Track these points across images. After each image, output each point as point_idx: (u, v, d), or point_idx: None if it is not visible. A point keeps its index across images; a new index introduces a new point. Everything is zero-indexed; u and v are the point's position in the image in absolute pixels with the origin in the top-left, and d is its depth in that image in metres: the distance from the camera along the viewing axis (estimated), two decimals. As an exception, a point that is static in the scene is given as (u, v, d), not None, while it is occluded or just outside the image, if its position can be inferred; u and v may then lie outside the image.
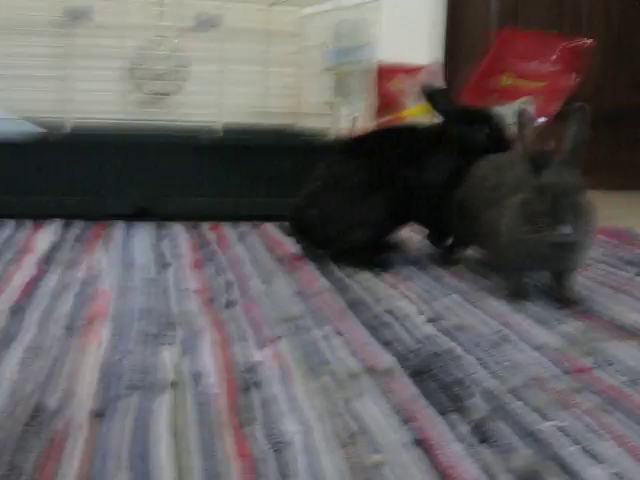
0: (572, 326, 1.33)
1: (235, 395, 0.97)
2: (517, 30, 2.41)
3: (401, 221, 1.77)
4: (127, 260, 1.65)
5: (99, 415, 0.90)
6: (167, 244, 1.82)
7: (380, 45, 2.30)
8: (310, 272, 1.62)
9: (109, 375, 1.02)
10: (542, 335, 1.28)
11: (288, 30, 2.65)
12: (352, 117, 2.27)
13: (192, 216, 2.11)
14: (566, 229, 1.33)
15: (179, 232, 1.96)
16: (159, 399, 0.95)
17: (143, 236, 1.90)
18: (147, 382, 1.00)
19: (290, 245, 1.85)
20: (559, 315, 1.39)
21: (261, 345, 1.16)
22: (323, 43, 2.45)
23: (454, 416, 0.95)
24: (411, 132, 1.80)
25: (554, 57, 2.36)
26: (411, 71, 2.74)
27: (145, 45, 2.49)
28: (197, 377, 1.02)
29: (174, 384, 0.99)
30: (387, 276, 1.61)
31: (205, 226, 2.04)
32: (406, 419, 0.93)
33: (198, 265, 1.63)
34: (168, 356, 1.10)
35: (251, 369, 1.06)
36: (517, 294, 1.47)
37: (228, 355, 1.11)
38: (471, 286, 1.56)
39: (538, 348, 1.21)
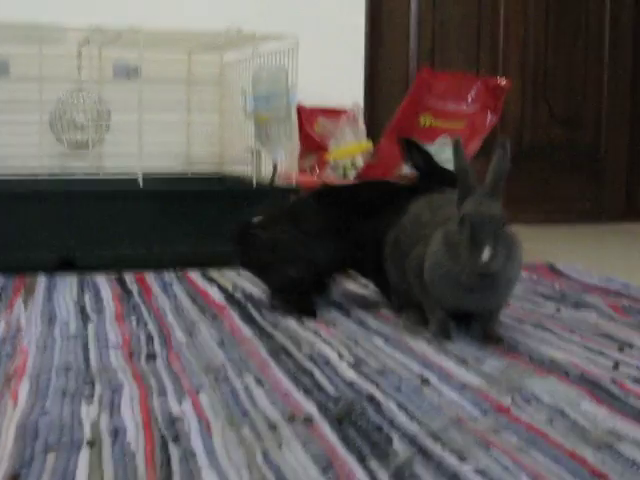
0: (492, 365, 1.35)
1: (153, 451, 0.97)
2: (435, 71, 2.46)
3: (342, 268, 1.77)
4: (48, 315, 1.63)
5: (14, 478, 0.88)
6: (89, 297, 1.80)
7: (300, 88, 2.32)
8: (234, 321, 1.62)
9: (25, 436, 1.00)
10: (462, 376, 1.29)
11: (209, 78, 2.67)
12: (273, 163, 2.29)
13: (116, 266, 2.10)
14: (486, 258, 1.32)
15: (102, 284, 1.94)
16: (75, 459, 0.94)
17: (65, 289, 1.88)
18: (63, 442, 0.98)
19: (214, 293, 1.85)
20: (479, 354, 1.41)
21: (180, 398, 1.15)
22: (243, 90, 2.47)
23: (373, 463, 0.95)
24: (385, 187, 1.82)
25: (471, 97, 2.42)
26: (332, 113, 2.78)
27: (65, 96, 2.49)
28: (115, 434, 1.01)
29: (91, 443, 0.98)
30: (309, 322, 1.61)
31: (129, 277, 2.02)
32: (325, 468, 0.93)
33: (120, 318, 1.62)
34: (85, 414, 1.08)
35: (170, 424, 1.05)
36: (440, 334, 1.48)
37: (147, 410, 1.10)
38: (394, 329, 1.58)
39: (458, 389, 1.22)
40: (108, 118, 2.50)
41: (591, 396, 1.20)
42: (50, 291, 1.86)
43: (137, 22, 2.19)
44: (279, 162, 2.27)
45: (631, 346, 1.48)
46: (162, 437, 1.01)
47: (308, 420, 1.07)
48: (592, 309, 1.77)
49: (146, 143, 2.23)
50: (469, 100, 2.42)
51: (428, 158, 1.77)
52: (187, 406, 1.12)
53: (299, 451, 0.98)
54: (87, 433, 1.02)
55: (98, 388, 1.19)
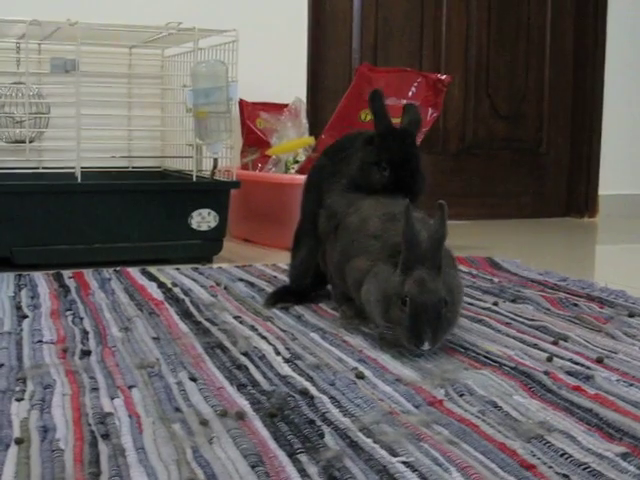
0: (427, 359, 1.36)
1: (82, 448, 0.96)
2: (375, 67, 2.46)
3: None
4: (-19, 312, 1.61)
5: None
6: (25, 295, 1.77)
7: (243, 84, 2.32)
8: (170, 317, 1.61)
9: (-49, 436, 0.98)
10: (397, 370, 1.30)
11: (150, 72, 2.65)
12: (212, 158, 2.28)
13: (54, 264, 2.07)
14: (425, 348, 1.33)
15: (39, 281, 1.91)
16: (2, 457, 0.92)
17: (1, 287, 1.85)
18: (-9, 441, 0.97)
19: (152, 289, 1.84)
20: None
21: (112, 395, 1.14)
22: (183, 85, 2.46)
23: (303, 458, 0.95)
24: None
25: (412, 92, 2.43)
26: (275, 108, 2.77)
27: (3, 91, 2.45)
28: (44, 432, 1.00)
29: (19, 440, 0.97)
30: (247, 317, 1.61)
31: (67, 273, 2.00)
32: (254, 464, 0.93)
33: (55, 315, 1.60)
34: (15, 411, 1.07)
35: (101, 420, 1.04)
36: (385, 343, 1.47)
37: (78, 407, 1.09)
38: (330, 324, 1.58)
39: (392, 383, 1.23)
40: (47, 113, 2.47)
41: (524, 388, 1.22)
42: (-14, 288, 1.83)
43: (78, 16, 2.17)
44: (219, 157, 2.26)
45: (566, 339, 1.49)
46: (92, 434, 1.00)
47: (240, 415, 1.07)
48: (529, 303, 1.79)
49: (86, 138, 2.21)
50: (410, 95, 2.43)
51: (384, 114, 1.72)
52: (119, 402, 1.11)
53: (230, 446, 0.98)
54: (16, 431, 1.00)
55: (30, 385, 1.17)
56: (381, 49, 3.28)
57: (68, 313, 1.61)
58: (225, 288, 1.87)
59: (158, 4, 2.71)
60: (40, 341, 1.41)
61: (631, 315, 1.69)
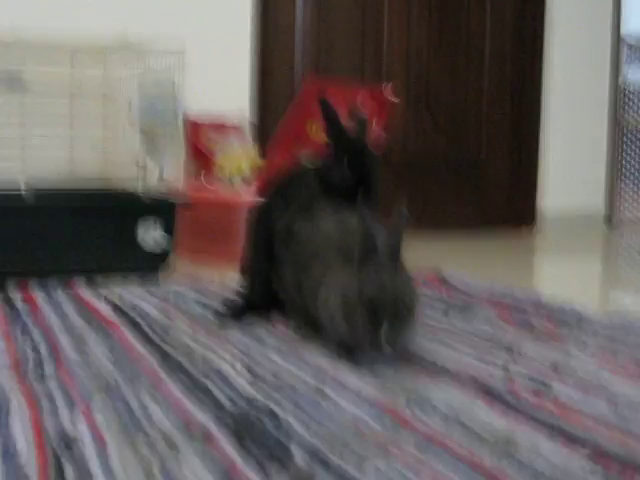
0: (384, 372, 1.37)
1: (48, 472, 0.94)
2: (321, 79, 2.47)
3: None
4: None
5: None
6: (-28, 316, 1.74)
7: (188, 101, 2.31)
8: (125, 337, 1.59)
9: None
10: (357, 385, 1.31)
11: (93, 89, 2.62)
12: (159, 175, 2.26)
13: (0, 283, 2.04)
14: (383, 342, 1.36)
15: (-15, 301, 1.88)
16: (-35, 487, 0.91)
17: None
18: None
19: (103, 308, 1.82)
20: (373, 361, 1.42)
21: (74, 417, 1.13)
22: (129, 101, 2.43)
23: (275, 477, 0.95)
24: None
25: (358, 104, 2.44)
26: (219, 126, 2.77)
27: None
28: (8, 458, 0.98)
29: (-19, 467, 0.95)
30: (203, 338, 1.60)
31: (15, 294, 1.96)
32: (225, 484, 0.93)
33: (6, 336, 1.57)
34: (-25, 438, 1.05)
35: (65, 445, 1.03)
36: (341, 355, 1.47)
37: (39, 430, 1.07)
38: (288, 344, 1.58)
39: (354, 399, 1.24)
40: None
41: (485, 402, 1.23)
42: None
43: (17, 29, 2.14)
44: (166, 174, 2.24)
45: (519, 352, 1.52)
46: (56, 457, 0.98)
47: (207, 435, 1.07)
48: (479, 315, 1.81)
49: (28, 157, 2.17)
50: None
51: (336, 125, 1.74)
52: (81, 425, 1.10)
53: (198, 466, 0.97)
54: (-25, 455, 0.98)
55: (-15, 409, 1.15)
56: (323, 62, 3.29)
57: (19, 334, 1.59)
58: (175, 307, 1.86)
59: (100, 21, 2.68)
60: (-4, 364, 1.39)
61: (587, 333, 1.71)
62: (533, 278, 2.78)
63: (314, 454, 1.02)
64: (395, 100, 2.50)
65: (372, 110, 2.47)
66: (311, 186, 1.71)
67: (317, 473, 0.96)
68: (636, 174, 4.31)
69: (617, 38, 4.06)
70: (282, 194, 1.75)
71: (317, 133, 2.41)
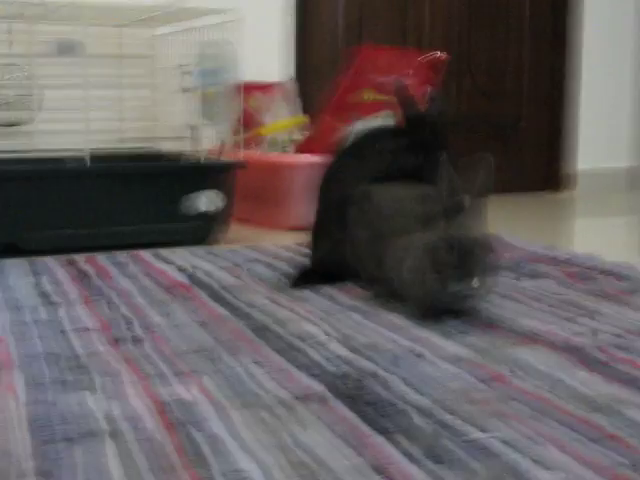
0: (475, 336, 1.37)
1: (177, 437, 0.95)
2: (376, 46, 2.46)
3: None
4: (11, 302, 1.57)
5: (47, 476, 0.85)
6: (47, 281, 1.74)
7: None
8: (204, 301, 1.59)
9: (40, 430, 0.96)
10: (451, 348, 1.31)
11: (140, 52, 2.61)
12: (219, 138, 2.25)
13: (63, 249, 2.04)
14: (472, 284, 1.38)
15: (54, 267, 1.88)
16: (102, 451, 0.91)
17: (18, 274, 1.81)
18: (83, 434, 0.95)
19: (173, 272, 1.82)
20: (459, 326, 1.43)
21: (183, 382, 1.13)
22: (180, 64, 2.42)
23: (400, 438, 0.95)
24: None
25: (411, 71, 2.43)
26: (266, 88, 2.75)
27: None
28: (132, 423, 0.99)
29: (112, 434, 0.95)
30: (281, 299, 1.60)
31: (79, 258, 1.97)
32: (355, 446, 0.93)
33: (88, 302, 1.57)
34: (93, 403, 1.05)
35: (183, 408, 1.03)
36: (427, 317, 1.47)
37: (154, 395, 1.08)
38: (365, 303, 1.58)
39: (451, 361, 1.24)
40: (40, 95, 2.42)
41: (582, 363, 1.23)
42: (3, 277, 1.79)
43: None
44: (223, 136, 2.23)
45: (600, 314, 1.52)
46: (181, 423, 0.99)
47: (322, 399, 1.07)
48: (550, 279, 1.81)
49: (75, 120, 2.16)
50: (408, 74, 2.43)
51: (413, 104, 1.75)
52: (194, 390, 1.10)
53: (325, 431, 0.97)
54: (103, 424, 0.98)
55: (95, 376, 1.15)
56: (365, 27, 3.27)
57: (99, 299, 1.59)
58: (246, 270, 1.86)
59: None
60: (86, 329, 1.39)
61: (648, 287, 1.72)
62: (575, 240, 2.78)
63: (431, 415, 1.03)
64: (446, 62, 2.49)
65: (427, 76, 2.46)
66: (386, 155, 1.70)
67: (441, 434, 0.97)
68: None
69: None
70: (355, 155, 1.74)
71: (371, 99, 2.40)
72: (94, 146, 2.11)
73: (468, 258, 1.38)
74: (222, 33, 2.20)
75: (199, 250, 2.11)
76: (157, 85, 2.62)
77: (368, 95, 2.40)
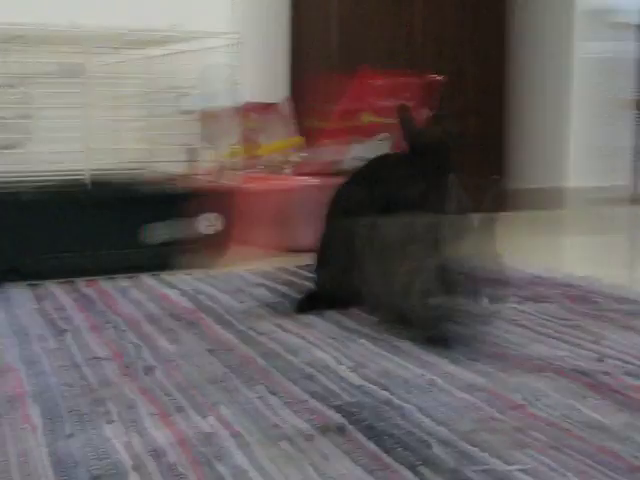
0: (485, 363, 1.38)
1: (202, 471, 0.95)
2: (373, 70, 2.48)
3: None
4: (17, 329, 1.57)
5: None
6: (51, 306, 1.74)
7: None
8: (211, 326, 1.60)
9: (64, 465, 0.96)
10: (462, 375, 1.31)
11: (137, 73, 2.61)
12: (219, 161, 2.25)
13: (64, 273, 2.03)
14: (483, 303, 1.38)
15: (57, 292, 1.88)
16: (125, 485, 0.91)
17: (21, 299, 1.81)
18: (107, 468, 0.95)
19: (178, 297, 1.82)
20: (467, 352, 1.43)
21: (201, 413, 1.13)
22: (177, 86, 2.43)
23: (423, 470, 0.96)
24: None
25: (408, 94, 2.45)
26: (261, 109, 2.76)
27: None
28: (155, 456, 0.98)
29: (136, 467, 0.95)
30: (288, 325, 1.61)
31: (81, 283, 1.96)
32: (380, 478, 0.93)
33: (95, 328, 1.57)
34: (113, 435, 1.05)
35: (205, 441, 1.03)
36: (436, 343, 1.48)
37: (173, 427, 1.08)
38: (372, 329, 1.58)
39: (465, 389, 1.24)
40: (35, 117, 2.41)
41: (593, 391, 1.24)
42: (6, 302, 1.79)
43: (67, 20, 2.13)
44: (222, 159, 2.23)
45: (605, 339, 1.53)
46: (204, 456, 0.99)
47: (341, 430, 1.07)
48: (552, 304, 1.82)
49: (69, 142, 2.15)
50: (406, 97, 2.44)
51: (415, 129, 1.76)
52: (213, 421, 1.10)
53: (348, 462, 0.98)
54: (126, 457, 0.98)
55: (111, 406, 1.15)
56: (357, 49, 3.28)
57: (108, 326, 1.59)
58: (249, 294, 1.86)
59: (143, 8, 2.67)
60: (96, 357, 1.38)
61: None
62: (563, 255, 2.80)
63: (450, 445, 1.03)
64: (442, 84, 2.51)
65: (421, 99, 2.47)
66: (391, 183, 1.71)
67: (462, 466, 0.97)
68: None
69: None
70: (361, 184, 1.75)
71: (369, 121, 2.41)
72: (93, 168, 2.11)
73: (478, 279, 1.38)
74: (222, 56, 2.21)
75: (198, 274, 2.11)
76: (154, 107, 2.62)
77: (367, 118, 2.41)
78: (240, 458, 0.98)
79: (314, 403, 1.18)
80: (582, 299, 1.84)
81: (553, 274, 2.13)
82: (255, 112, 2.73)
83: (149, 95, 2.59)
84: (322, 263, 1.79)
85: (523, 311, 1.74)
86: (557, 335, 1.55)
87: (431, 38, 3.45)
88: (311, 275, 1.85)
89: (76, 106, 2.12)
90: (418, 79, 2.49)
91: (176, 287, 1.93)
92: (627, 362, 1.38)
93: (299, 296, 1.80)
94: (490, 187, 1.45)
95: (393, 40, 3.35)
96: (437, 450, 1.02)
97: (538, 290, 1.94)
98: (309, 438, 1.04)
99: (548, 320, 1.66)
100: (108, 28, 2.18)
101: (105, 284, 1.96)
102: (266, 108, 2.78)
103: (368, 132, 2.40)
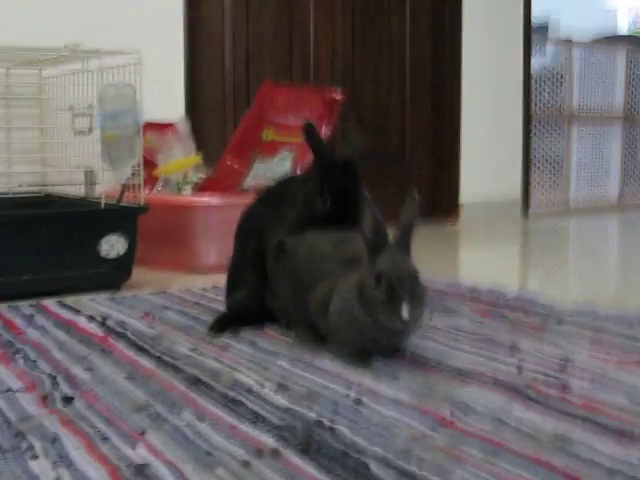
0: (407, 379, 1.38)
1: (141, 506, 0.92)
2: (276, 84, 2.46)
3: None
4: None
5: None
6: (-50, 337, 1.66)
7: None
8: (124, 352, 1.55)
9: (-9, 505, 0.91)
10: (387, 392, 1.31)
11: (30, 93, 2.54)
12: (120, 182, 2.20)
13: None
14: (405, 316, 1.36)
15: (-46, 321, 1.80)
16: (61, 524, 0.87)
17: None
18: (39, 506, 0.91)
19: (84, 323, 1.77)
20: (388, 368, 1.43)
21: (129, 443, 1.09)
22: (70, 106, 2.37)
23: (366, 491, 0.95)
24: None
25: (308, 111, 2.45)
26: (158, 128, 2.72)
27: None
28: (88, 492, 0.95)
29: (71, 504, 0.91)
30: (203, 348, 1.58)
31: (-22, 311, 1.88)
32: (325, 503, 0.92)
33: (4, 359, 1.50)
34: (41, 472, 1.00)
35: (139, 473, 1.00)
36: (359, 362, 1.47)
37: (103, 460, 1.04)
38: (288, 349, 1.57)
39: (392, 407, 1.24)
40: None
41: (517, 402, 1.26)
42: None
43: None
44: (126, 181, 2.19)
45: (519, 348, 1.56)
46: (139, 487, 0.96)
47: (276, 454, 1.06)
48: (461, 314, 1.84)
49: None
50: (305, 114, 2.44)
51: (322, 147, 1.74)
52: (143, 451, 1.07)
53: (286, 486, 0.96)
54: (57, 493, 0.94)
55: (34, 441, 1.10)
56: (252, 65, 3.28)
57: (16, 356, 1.53)
58: (158, 318, 1.82)
59: (35, 25, 2.60)
60: (9, 390, 1.32)
61: (559, 322, 1.78)
62: (462, 267, 2.85)
63: (388, 464, 1.03)
64: (343, 100, 2.52)
65: (323, 116, 2.48)
66: (299, 202, 1.71)
67: (404, 484, 0.97)
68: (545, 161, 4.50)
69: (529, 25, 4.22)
70: (269, 204, 1.74)
71: (270, 139, 2.40)
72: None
73: (397, 293, 1.37)
74: (122, 75, 2.16)
75: (102, 298, 2.05)
76: (47, 127, 2.55)
77: (267, 135, 2.40)
78: (178, 489, 0.96)
79: (244, 428, 1.15)
80: (490, 312, 1.88)
81: (459, 286, 2.16)
82: (151, 131, 2.68)
83: (43, 116, 2.53)
84: (232, 284, 1.77)
85: (434, 325, 1.76)
86: (472, 350, 1.57)
87: (325, 55, 3.47)
88: (219, 297, 1.83)
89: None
90: (318, 95, 2.50)
91: (80, 311, 1.87)
92: (544, 373, 1.41)
93: (209, 319, 1.77)
94: (408, 199, 1.45)
95: (289, 57, 3.37)
96: (375, 470, 1.01)
97: (446, 303, 1.96)
98: (245, 465, 1.02)
99: (460, 334, 1.68)
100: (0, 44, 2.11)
101: (5, 311, 1.89)
102: (162, 127, 2.73)
103: (269, 149, 2.39)
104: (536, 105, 4.50)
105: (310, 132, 1.73)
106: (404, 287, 1.37)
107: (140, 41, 2.65)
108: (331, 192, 1.68)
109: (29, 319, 1.81)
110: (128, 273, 2.21)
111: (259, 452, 1.06)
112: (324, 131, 2.50)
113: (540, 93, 4.55)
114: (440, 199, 3.89)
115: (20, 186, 2.44)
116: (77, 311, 1.88)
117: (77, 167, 2.34)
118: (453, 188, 3.87)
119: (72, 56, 2.20)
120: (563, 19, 6.67)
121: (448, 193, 3.88)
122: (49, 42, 2.21)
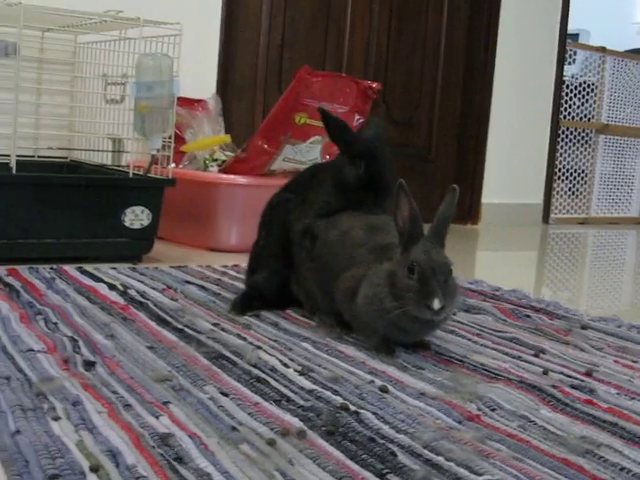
0: (433, 372, 1.36)
1: (165, 474, 0.90)
2: (312, 71, 2.44)
3: None
4: (-61, 316, 1.48)
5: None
6: (-29, 294, 1.65)
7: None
8: (146, 323, 1.53)
9: (15, 464, 0.89)
10: (413, 383, 1.29)
11: (63, 58, 2.52)
12: (150, 153, 2.18)
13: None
14: (437, 307, 1.33)
15: (-24, 279, 1.78)
16: (83, 487, 0.85)
17: (-62, 285, 1.71)
18: (62, 469, 0.89)
19: (104, 290, 1.75)
20: (413, 361, 1.41)
21: (152, 412, 1.08)
22: (104, 74, 2.35)
23: (394, 479, 0.93)
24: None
25: (342, 98, 2.43)
26: (189, 104, 2.70)
27: None
28: (112, 457, 0.93)
29: (94, 468, 0.89)
30: (226, 325, 1.56)
31: (1, 272, 1.87)
32: (350, 486, 0.90)
33: (25, 319, 1.49)
34: (63, 433, 0.98)
35: (163, 442, 0.98)
36: (383, 350, 1.45)
37: (126, 427, 1.02)
38: (312, 333, 1.55)
39: (418, 397, 1.22)
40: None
41: (543, 402, 1.24)
42: None
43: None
44: (157, 152, 2.16)
45: (543, 352, 1.53)
46: (164, 459, 0.94)
47: (301, 434, 1.04)
48: (487, 315, 1.82)
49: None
50: (340, 101, 2.42)
51: (345, 129, 1.73)
52: (166, 421, 1.05)
53: (314, 468, 0.94)
54: (80, 457, 0.92)
55: (56, 403, 1.08)
56: (287, 48, 3.26)
57: (38, 317, 1.51)
58: (180, 291, 1.81)
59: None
60: (31, 350, 1.31)
61: (584, 327, 1.76)
62: (482, 269, 2.83)
63: (414, 453, 1.01)
64: (378, 93, 2.49)
65: (356, 104, 2.45)
66: (327, 184, 1.69)
67: (431, 475, 0.95)
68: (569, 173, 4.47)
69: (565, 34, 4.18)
70: (295, 191, 1.73)
71: (303, 122, 2.38)
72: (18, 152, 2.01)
73: (429, 283, 1.35)
74: (160, 46, 2.14)
75: (122, 267, 2.04)
76: (78, 93, 2.53)
77: (300, 119, 2.37)
78: (201, 461, 0.94)
79: (268, 406, 1.14)
80: (514, 312, 1.85)
81: (481, 285, 2.14)
82: (181, 107, 2.66)
83: (75, 82, 2.51)
84: (255, 265, 1.75)
85: (457, 320, 1.74)
86: (496, 347, 1.55)
87: (359, 45, 3.45)
88: (240, 276, 1.81)
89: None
90: (354, 84, 2.47)
91: (101, 280, 1.86)
92: (571, 376, 1.39)
93: (231, 296, 1.76)
94: (449, 193, 1.43)
95: (322, 46, 3.35)
96: (403, 458, 0.99)
97: (468, 300, 1.94)
98: (271, 442, 1.00)
99: (483, 331, 1.66)
100: (43, 8, 2.08)
101: (25, 272, 1.87)
102: (193, 103, 2.71)
103: (301, 133, 2.37)
104: (565, 111, 4.47)
105: (326, 114, 1.72)
106: (437, 278, 1.35)
107: (178, 15, 2.64)
108: (362, 157, 1.66)
109: (50, 282, 1.80)
110: (150, 245, 2.20)
111: (285, 431, 1.04)
112: (356, 119, 2.48)
113: (570, 99, 4.51)
114: (462, 199, 3.86)
115: (50, 148, 2.41)
116: (98, 278, 1.87)
117: (106, 135, 2.31)
118: (476, 190, 3.85)
119: (113, 23, 2.17)
120: (593, 30, 6.65)
121: (471, 194, 3.86)
122: (86, 8, 2.19)
